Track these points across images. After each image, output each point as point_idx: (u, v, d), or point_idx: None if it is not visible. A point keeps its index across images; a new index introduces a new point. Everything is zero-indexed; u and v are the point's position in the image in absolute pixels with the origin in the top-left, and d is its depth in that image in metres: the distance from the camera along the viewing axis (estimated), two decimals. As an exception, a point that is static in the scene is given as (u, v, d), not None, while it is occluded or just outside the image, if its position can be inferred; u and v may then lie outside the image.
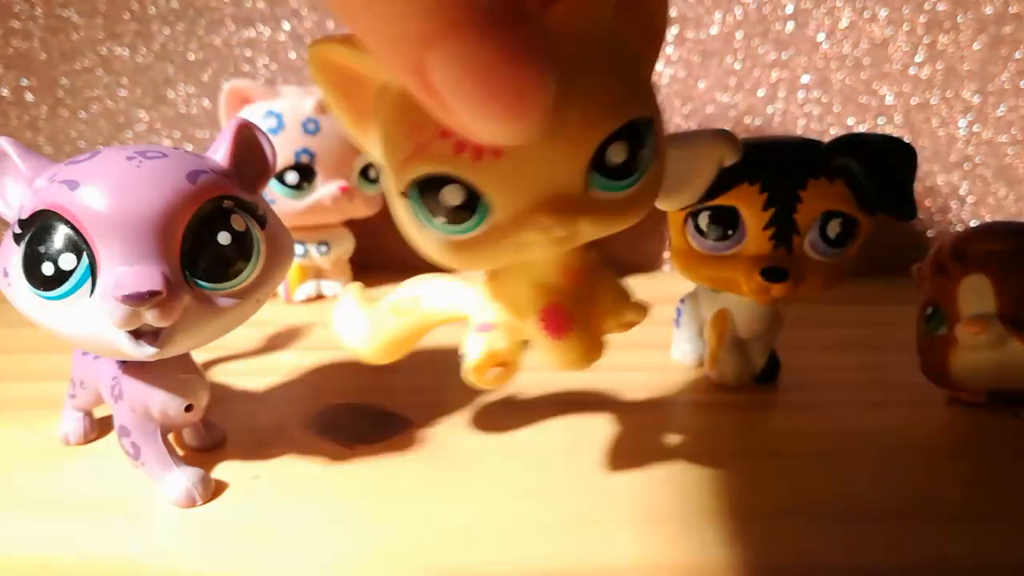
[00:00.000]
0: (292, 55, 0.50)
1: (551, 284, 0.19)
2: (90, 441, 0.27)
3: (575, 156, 0.15)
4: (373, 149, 0.16)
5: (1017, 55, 0.49)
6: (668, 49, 0.50)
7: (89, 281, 0.19)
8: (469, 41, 0.10)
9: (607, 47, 0.15)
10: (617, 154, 0.15)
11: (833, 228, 0.26)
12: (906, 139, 0.31)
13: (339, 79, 0.15)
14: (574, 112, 0.14)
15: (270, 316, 0.41)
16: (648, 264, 0.53)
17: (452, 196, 0.15)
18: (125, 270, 0.19)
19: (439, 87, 0.11)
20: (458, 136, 0.14)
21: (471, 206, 0.15)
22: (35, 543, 0.20)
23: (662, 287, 0.50)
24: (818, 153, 0.26)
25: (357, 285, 0.24)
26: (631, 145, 0.15)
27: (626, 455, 0.25)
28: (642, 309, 0.20)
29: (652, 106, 0.16)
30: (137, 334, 0.20)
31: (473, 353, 0.19)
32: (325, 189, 0.41)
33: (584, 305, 0.19)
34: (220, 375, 0.33)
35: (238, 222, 0.21)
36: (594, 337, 0.19)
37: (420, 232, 0.16)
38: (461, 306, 0.21)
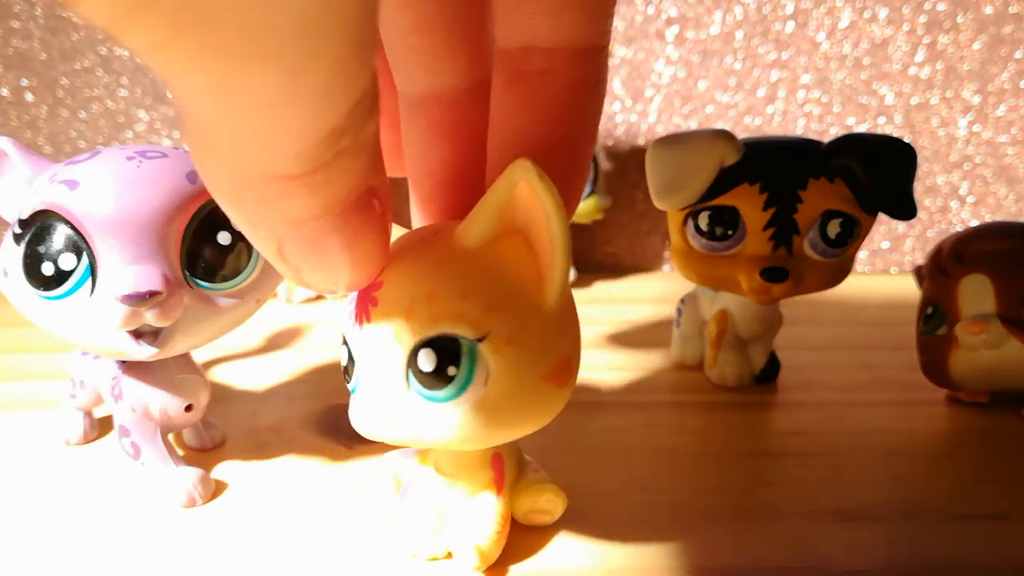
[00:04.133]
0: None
1: (471, 471, 0.19)
2: (90, 441, 0.26)
3: (396, 348, 0.16)
4: None
5: (1017, 55, 0.49)
6: (668, 49, 0.50)
7: (89, 281, 0.19)
8: (326, 227, 0.12)
9: (471, 263, 0.16)
10: (425, 361, 0.15)
11: (833, 228, 0.26)
12: (906, 139, 0.31)
13: None
14: (405, 308, 0.15)
15: (270, 316, 0.41)
16: (648, 264, 0.53)
17: (345, 356, 0.17)
18: (125, 270, 0.19)
19: (287, 255, 0.13)
20: (356, 306, 0.16)
21: (351, 368, 0.17)
22: (35, 544, 0.20)
23: (662, 287, 0.50)
24: (818, 153, 0.26)
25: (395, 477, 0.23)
26: (441, 358, 0.15)
27: (625, 455, 0.25)
28: (562, 496, 0.20)
29: (489, 329, 0.15)
30: (137, 334, 0.20)
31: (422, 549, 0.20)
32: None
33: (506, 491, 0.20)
34: (220, 375, 0.33)
35: (238, 222, 0.21)
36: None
37: None
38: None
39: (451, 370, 0.15)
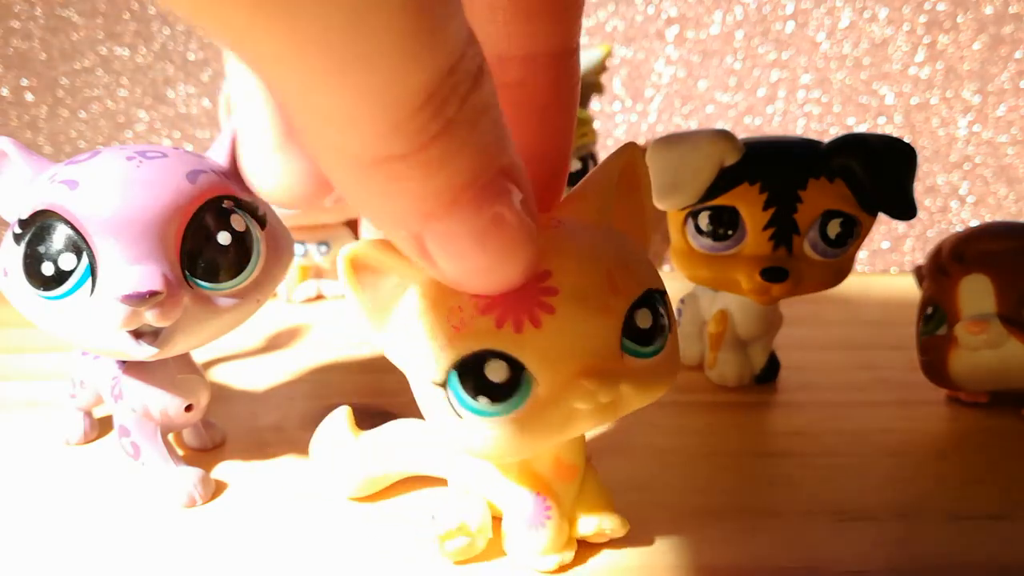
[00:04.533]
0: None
1: (541, 474, 0.19)
2: (90, 441, 0.27)
3: (608, 321, 0.15)
4: (396, 348, 0.17)
5: (1017, 55, 0.49)
6: (668, 49, 0.50)
7: (89, 281, 0.19)
8: (460, 219, 0.11)
9: (615, 234, 0.17)
10: (643, 320, 0.16)
11: (833, 228, 0.26)
12: (906, 139, 0.31)
13: (365, 277, 0.16)
14: (603, 282, 0.15)
15: (270, 316, 0.41)
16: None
17: (496, 373, 0.15)
18: (125, 270, 0.19)
19: (433, 253, 0.12)
20: (497, 311, 0.15)
21: (515, 382, 0.15)
22: (35, 544, 0.20)
23: (662, 287, 0.50)
24: (818, 153, 0.26)
25: (347, 409, 0.22)
26: (653, 312, 0.16)
27: (626, 455, 0.25)
28: (623, 525, 0.20)
29: (661, 282, 0.17)
30: (137, 334, 0.20)
31: (446, 521, 0.19)
32: (325, 189, 0.41)
33: (566, 503, 0.19)
34: (220, 375, 0.33)
35: (238, 222, 0.21)
36: (568, 535, 0.19)
37: (459, 425, 0.16)
38: (437, 467, 0.21)
39: (662, 320, 0.16)
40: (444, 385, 0.15)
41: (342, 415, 0.22)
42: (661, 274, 0.17)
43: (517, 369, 0.15)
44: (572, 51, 0.15)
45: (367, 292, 0.16)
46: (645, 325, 0.16)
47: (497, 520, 0.20)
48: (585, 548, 0.20)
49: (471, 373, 0.15)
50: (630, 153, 0.17)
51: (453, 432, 0.16)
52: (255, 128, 0.13)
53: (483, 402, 0.15)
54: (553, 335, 0.15)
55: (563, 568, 0.19)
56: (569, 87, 0.16)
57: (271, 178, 0.13)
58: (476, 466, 0.20)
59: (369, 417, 0.28)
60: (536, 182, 0.16)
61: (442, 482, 0.21)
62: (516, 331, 0.15)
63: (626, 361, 0.16)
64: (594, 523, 0.20)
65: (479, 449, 0.16)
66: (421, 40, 0.09)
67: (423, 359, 0.16)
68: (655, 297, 0.16)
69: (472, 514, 0.19)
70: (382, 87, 0.09)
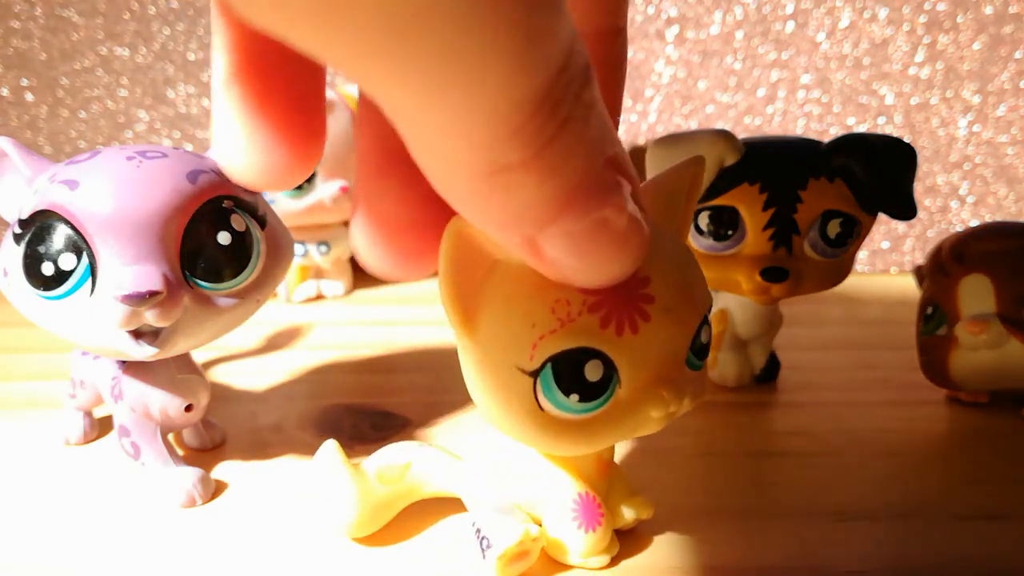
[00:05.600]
0: (292, 55, 0.50)
1: (586, 473, 0.19)
2: (90, 441, 0.27)
3: (686, 334, 0.16)
4: (476, 327, 0.16)
5: (1017, 55, 0.49)
6: (668, 49, 0.50)
7: (89, 281, 0.19)
8: (576, 218, 0.11)
9: (685, 245, 0.17)
10: (705, 334, 0.16)
11: (833, 228, 0.26)
12: (906, 139, 0.31)
13: (463, 252, 0.15)
14: (687, 295, 0.16)
15: (270, 316, 0.41)
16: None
17: (593, 371, 0.15)
18: (125, 270, 0.19)
19: (548, 255, 0.12)
20: (603, 311, 0.15)
21: (605, 383, 0.15)
22: (35, 544, 0.20)
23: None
24: (818, 153, 0.26)
25: (335, 443, 0.21)
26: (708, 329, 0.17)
27: (626, 455, 0.25)
28: (650, 506, 0.20)
29: None
30: (137, 334, 0.20)
31: (505, 539, 0.18)
32: (325, 189, 0.41)
33: (605, 498, 0.20)
34: (220, 375, 0.33)
35: (238, 222, 0.21)
36: (612, 532, 0.20)
37: (535, 415, 0.16)
38: (453, 485, 0.21)
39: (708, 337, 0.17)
40: (535, 374, 0.15)
41: (332, 449, 0.20)
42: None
43: (610, 370, 0.15)
44: (620, 30, 0.15)
45: (463, 268, 0.15)
46: (706, 340, 0.16)
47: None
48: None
49: (569, 368, 0.15)
50: (698, 166, 0.17)
51: (524, 421, 0.16)
52: (218, 93, 0.12)
53: (573, 399, 0.15)
54: (644, 342, 0.15)
55: (614, 562, 0.19)
56: (617, 65, 0.16)
57: (237, 153, 0.13)
58: (512, 476, 0.20)
59: (369, 416, 0.28)
60: None
61: (448, 504, 0.21)
62: (617, 334, 0.15)
63: (685, 372, 0.16)
64: (631, 512, 0.20)
65: (549, 443, 0.17)
66: (532, 43, 0.09)
67: (514, 344, 0.15)
68: (708, 311, 0.17)
69: (527, 524, 0.19)
70: (497, 96, 0.09)
